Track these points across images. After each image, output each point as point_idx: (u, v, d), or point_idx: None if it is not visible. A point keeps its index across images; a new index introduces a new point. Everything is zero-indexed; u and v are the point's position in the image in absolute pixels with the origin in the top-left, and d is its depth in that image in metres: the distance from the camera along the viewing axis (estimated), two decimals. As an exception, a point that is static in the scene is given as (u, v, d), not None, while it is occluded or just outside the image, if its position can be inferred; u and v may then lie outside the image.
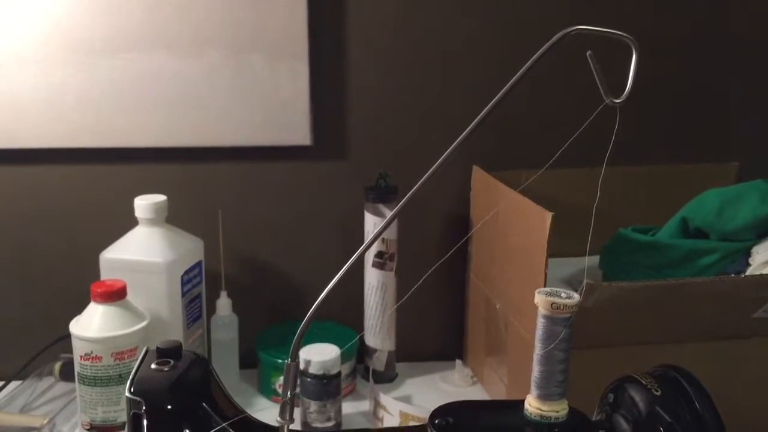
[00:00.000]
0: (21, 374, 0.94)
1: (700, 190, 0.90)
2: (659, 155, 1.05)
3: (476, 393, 0.98)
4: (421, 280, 0.57)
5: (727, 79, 1.07)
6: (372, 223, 0.96)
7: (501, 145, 1.00)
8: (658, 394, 0.43)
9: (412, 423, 0.84)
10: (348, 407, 0.93)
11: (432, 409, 0.48)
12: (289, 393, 0.45)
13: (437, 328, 1.08)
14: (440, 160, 0.49)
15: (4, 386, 0.93)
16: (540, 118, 1.02)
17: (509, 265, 0.86)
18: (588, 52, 0.42)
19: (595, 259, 0.93)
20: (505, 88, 0.48)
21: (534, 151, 0.95)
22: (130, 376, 0.47)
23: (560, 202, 0.75)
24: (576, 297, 0.45)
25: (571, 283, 0.95)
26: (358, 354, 1.00)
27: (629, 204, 0.92)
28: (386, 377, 1.01)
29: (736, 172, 1.04)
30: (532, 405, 0.46)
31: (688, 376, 0.44)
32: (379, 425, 0.88)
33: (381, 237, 0.94)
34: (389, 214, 0.95)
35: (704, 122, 1.07)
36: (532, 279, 0.78)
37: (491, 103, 0.49)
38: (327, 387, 0.86)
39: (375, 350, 1.00)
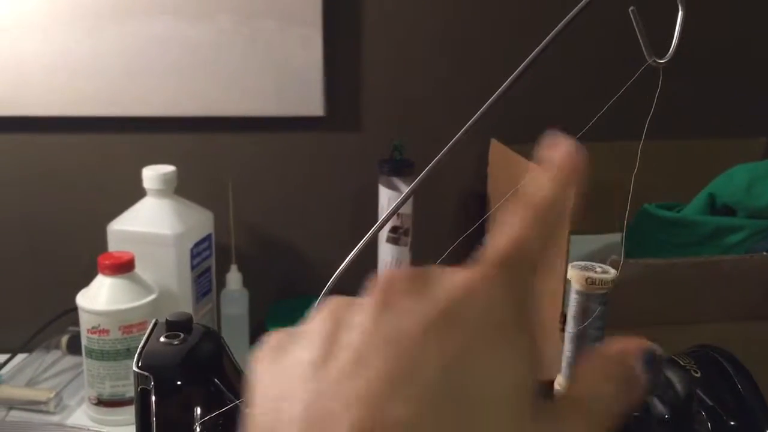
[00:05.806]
0: (28, 347, 0.93)
1: (727, 166, 0.87)
2: (685, 130, 1.02)
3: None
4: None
5: (756, 52, 1.03)
6: (386, 197, 0.93)
7: (518, 117, 0.97)
8: (698, 375, 0.41)
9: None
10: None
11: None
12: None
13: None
14: (458, 134, 0.46)
15: (10, 359, 0.92)
16: (560, 88, 0.99)
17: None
18: (630, 8, 0.39)
19: (615, 237, 0.91)
20: (536, 51, 0.45)
21: (554, 123, 0.92)
22: (138, 350, 0.45)
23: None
24: (612, 272, 0.42)
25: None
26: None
27: (654, 180, 0.89)
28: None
29: (764, 148, 1.01)
30: (562, 386, 0.43)
31: (730, 357, 0.42)
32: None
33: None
34: (404, 187, 0.92)
35: (732, 96, 1.04)
36: (552, 257, 0.75)
37: (518, 69, 0.46)
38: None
39: (388, 327, 0.98)
